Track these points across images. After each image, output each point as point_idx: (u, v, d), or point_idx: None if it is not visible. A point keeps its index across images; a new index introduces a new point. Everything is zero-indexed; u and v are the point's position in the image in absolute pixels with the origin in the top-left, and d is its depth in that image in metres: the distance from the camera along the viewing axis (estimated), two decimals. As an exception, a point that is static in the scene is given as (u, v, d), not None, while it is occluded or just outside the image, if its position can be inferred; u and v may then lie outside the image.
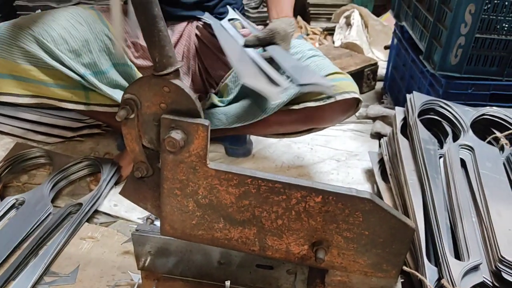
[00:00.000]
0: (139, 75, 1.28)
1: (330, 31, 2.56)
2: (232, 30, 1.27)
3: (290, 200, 0.76)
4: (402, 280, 0.93)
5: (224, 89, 1.32)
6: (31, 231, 1.13)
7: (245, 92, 1.23)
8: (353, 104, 1.23)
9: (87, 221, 1.21)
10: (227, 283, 0.86)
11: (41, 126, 1.61)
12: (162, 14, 0.68)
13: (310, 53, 1.24)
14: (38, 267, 1.03)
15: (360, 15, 2.40)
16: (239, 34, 1.25)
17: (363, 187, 1.42)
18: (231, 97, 1.26)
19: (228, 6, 1.39)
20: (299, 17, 2.67)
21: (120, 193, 0.83)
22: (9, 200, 1.22)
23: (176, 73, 0.71)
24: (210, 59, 1.38)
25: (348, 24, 2.40)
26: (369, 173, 1.46)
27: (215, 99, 1.30)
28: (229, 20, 1.34)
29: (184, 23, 1.37)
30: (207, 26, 1.35)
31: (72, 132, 1.58)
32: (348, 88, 1.19)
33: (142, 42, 1.29)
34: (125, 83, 1.25)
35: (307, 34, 2.54)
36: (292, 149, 1.61)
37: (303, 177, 1.46)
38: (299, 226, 0.78)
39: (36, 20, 1.14)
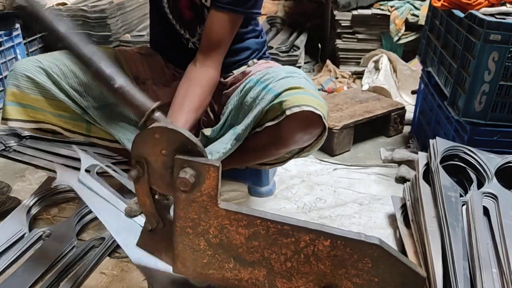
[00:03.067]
0: None
1: (358, 75, 2.59)
2: (103, 191, 1.23)
3: (298, 243, 0.76)
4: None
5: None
6: (54, 263, 1.17)
7: (230, 123, 1.24)
8: (311, 120, 1.09)
9: (109, 255, 1.24)
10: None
11: (74, 161, 1.69)
12: (115, 70, 0.73)
13: (283, 75, 1.16)
14: (58, 299, 1.06)
15: (389, 60, 2.42)
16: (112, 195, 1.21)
17: (385, 232, 1.40)
18: (219, 126, 1.25)
19: None
20: (328, 61, 2.72)
21: (137, 244, 0.87)
22: (36, 232, 1.27)
23: (156, 115, 0.75)
24: (220, 106, 1.37)
25: (377, 69, 2.42)
26: (392, 218, 1.44)
27: (206, 131, 1.28)
28: (86, 170, 1.31)
29: None
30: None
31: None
32: (301, 102, 1.07)
33: (150, 83, 1.35)
34: (134, 117, 1.32)
35: (336, 78, 2.58)
36: (315, 191, 1.61)
37: (324, 219, 1.46)
38: (308, 270, 0.78)
39: (51, 56, 1.25)
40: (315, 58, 2.95)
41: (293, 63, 2.54)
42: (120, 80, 0.74)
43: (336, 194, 1.60)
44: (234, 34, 1.24)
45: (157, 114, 0.76)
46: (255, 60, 1.38)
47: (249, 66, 1.36)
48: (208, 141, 1.25)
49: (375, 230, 1.40)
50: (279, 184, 1.62)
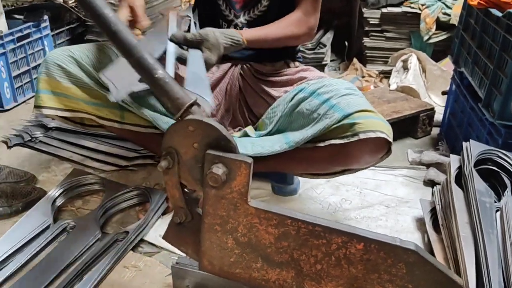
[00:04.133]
0: None
1: (386, 74, 2.53)
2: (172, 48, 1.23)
3: (330, 245, 0.74)
4: None
5: (261, 125, 1.35)
6: (78, 255, 1.17)
7: (278, 129, 1.25)
8: (381, 145, 1.15)
9: (132, 249, 1.24)
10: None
11: (98, 153, 1.70)
12: (157, 61, 0.73)
13: (344, 91, 1.19)
14: (82, 291, 1.06)
15: (418, 59, 2.36)
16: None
17: (412, 236, 1.36)
18: (265, 132, 1.27)
19: None
20: (355, 59, 2.67)
21: (163, 237, 0.86)
22: (61, 224, 1.27)
23: (192, 109, 0.73)
24: (253, 98, 1.42)
25: (405, 68, 2.37)
26: (420, 222, 1.40)
27: (250, 130, 1.31)
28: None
29: (230, 63, 1.42)
30: (252, 68, 1.41)
31: (127, 162, 1.65)
32: (375, 127, 1.12)
33: (181, 73, 1.33)
34: (162, 109, 1.32)
35: (363, 77, 2.53)
36: (340, 191, 1.58)
37: (350, 221, 1.42)
38: (339, 273, 0.76)
39: (82, 47, 1.29)
40: (342, 56, 2.90)
41: (319, 60, 2.51)
42: (161, 71, 0.73)
43: (362, 196, 1.56)
44: None
45: (194, 107, 0.75)
46: (296, 63, 1.42)
47: (289, 67, 1.40)
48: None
49: (402, 234, 1.36)
50: (303, 184, 1.59)
